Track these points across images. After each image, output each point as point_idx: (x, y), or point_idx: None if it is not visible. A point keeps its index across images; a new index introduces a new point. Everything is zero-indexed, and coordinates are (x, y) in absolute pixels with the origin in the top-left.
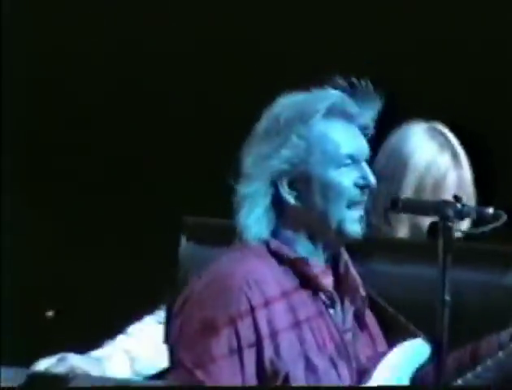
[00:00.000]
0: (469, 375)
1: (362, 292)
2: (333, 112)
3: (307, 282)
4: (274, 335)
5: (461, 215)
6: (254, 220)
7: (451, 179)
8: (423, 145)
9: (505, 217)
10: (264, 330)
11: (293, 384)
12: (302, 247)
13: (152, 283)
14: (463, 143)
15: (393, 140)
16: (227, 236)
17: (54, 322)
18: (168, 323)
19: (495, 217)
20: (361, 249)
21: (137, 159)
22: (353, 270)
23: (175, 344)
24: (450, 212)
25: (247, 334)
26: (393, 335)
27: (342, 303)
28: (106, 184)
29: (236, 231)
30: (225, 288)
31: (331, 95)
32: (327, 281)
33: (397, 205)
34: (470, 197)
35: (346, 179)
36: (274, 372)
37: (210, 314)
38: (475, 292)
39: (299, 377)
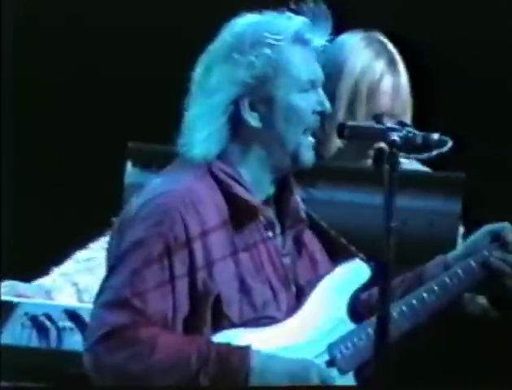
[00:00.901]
0: (412, 298)
1: (303, 215)
2: (297, 38)
3: (245, 210)
4: (207, 256)
5: (406, 141)
6: (204, 137)
7: (386, 84)
8: (358, 51)
9: (450, 143)
10: (198, 251)
11: (225, 305)
12: (250, 170)
13: (99, 209)
14: (402, 52)
15: (330, 47)
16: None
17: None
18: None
19: (440, 143)
20: (305, 176)
21: (84, 85)
22: (295, 196)
23: (111, 267)
24: (396, 138)
25: (180, 254)
26: (335, 257)
27: (282, 228)
28: (50, 109)
29: (180, 150)
30: (159, 206)
31: (296, 21)
32: (267, 209)
33: (342, 131)
34: (406, 104)
35: (307, 103)
36: (206, 292)
37: (142, 234)
38: (420, 219)
39: (232, 297)
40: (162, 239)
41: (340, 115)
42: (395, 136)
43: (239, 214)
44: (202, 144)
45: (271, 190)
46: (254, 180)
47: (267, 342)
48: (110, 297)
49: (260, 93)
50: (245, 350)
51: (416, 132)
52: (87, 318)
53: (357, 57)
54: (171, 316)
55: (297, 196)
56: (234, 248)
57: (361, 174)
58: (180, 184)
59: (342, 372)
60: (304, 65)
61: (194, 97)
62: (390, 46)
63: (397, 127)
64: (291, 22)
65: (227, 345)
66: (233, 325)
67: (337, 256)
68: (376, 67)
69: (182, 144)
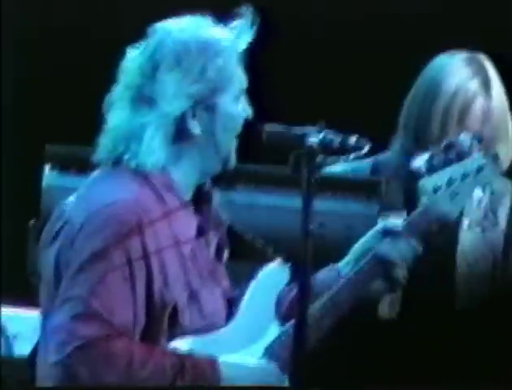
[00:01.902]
0: (327, 300)
1: (223, 219)
2: (235, 46)
3: (183, 218)
4: (162, 266)
5: (323, 145)
6: (155, 149)
7: (477, 106)
8: (456, 70)
9: (367, 146)
10: (154, 259)
11: (180, 315)
12: (180, 173)
13: (15, 212)
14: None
15: (430, 66)
16: (91, 164)
17: None
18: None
19: (358, 146)
20: (225, 179)
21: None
22: (215, 201)
23: (65, 276)
24: (313, 142)
25: (138, 265)
26: (251, 260)
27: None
28: None
29: (104, 157)
30: (114, 217)
31: (235, 30)
32: (194, 213)
33: (260, 136)
34: (498, 129)
35: (239, 110)
36: (163, 303)
37: (100, 245)
38: (339, 222)
39: (184, 306)
40: (121, 249)
41: (434, 135)
42: (312, 141)
43: (178, 222)
44: (152, 156)
45: (191, 194)
46: (183, 184)
47: (215, 349)
48: (79, 309)
49: (205, 101)
50: (214, 359)
51: (334, 136)
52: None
53: (453, 76)
54: (132, 327)
55: (216, 199)
56: (181, 255)
57: (280, 177)
58: (129, 194)
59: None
60: (238, 74)
61: (126, 102)
62: (489, 68)
63: (314, 130)
64: (230, 31)
65: (197, 356)
66: (186, 333)
67: (251, 257)
68: (470, 88)
69: (112, 149)
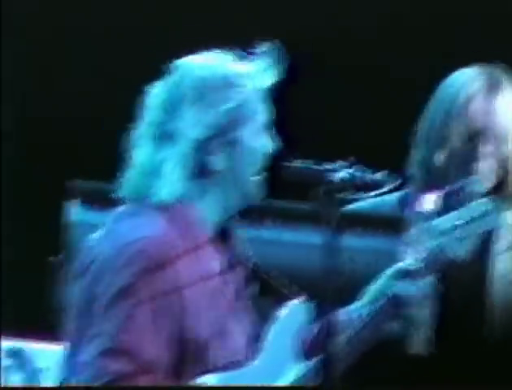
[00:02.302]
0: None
1: (250, 260)
2: (254, 82)
3: (211, 254)
4: (190, 301)
5: (344, 182)
6: (174, 181)
7: (479, 105)
8: (461, 73)
9: (394, 182)
10: (182, 296)
11: (206, 351)
12: (206, 210)
13: (38, 248)
14: None
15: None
16: (117, 201)
17: None
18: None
19: (382, 182)
20: (252, 215)
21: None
22: (240, 237)
23: (93, 312)
24: (337, 177)
25: (166, 299)
26: (275, 297)
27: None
28: None
29: (129, 193)
30: (142, 252)
31: (257, 66)
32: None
33: (280, 172)
34: (499, 131)
35: (262, 145)
36: (190, 340)
37: (129, 280)
38: (366, 259)
39: (208, 343)
40: (149, 285)
41: (439, 136)
42: (333, 177)
43: (204, 258)
44: (170, 188)
45: (216, 230)
46: (208, 219)
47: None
48: (108, 345)
49: (226, 136)
50: None
51: (357, 172)
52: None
53: (458, 77)
54: (158, 363)
55: (241, 235)
56: (207, 292)
57: (307, 213)
58: (155, 230)
59: None
60: (261, 108)
61: (148, 139)
62: (500, 74)
63: (336, 167)
64: (252, 67)
65: None
66: (210, 370)
67: (275, 294)
68: (472, 86)
69: (137, 185)
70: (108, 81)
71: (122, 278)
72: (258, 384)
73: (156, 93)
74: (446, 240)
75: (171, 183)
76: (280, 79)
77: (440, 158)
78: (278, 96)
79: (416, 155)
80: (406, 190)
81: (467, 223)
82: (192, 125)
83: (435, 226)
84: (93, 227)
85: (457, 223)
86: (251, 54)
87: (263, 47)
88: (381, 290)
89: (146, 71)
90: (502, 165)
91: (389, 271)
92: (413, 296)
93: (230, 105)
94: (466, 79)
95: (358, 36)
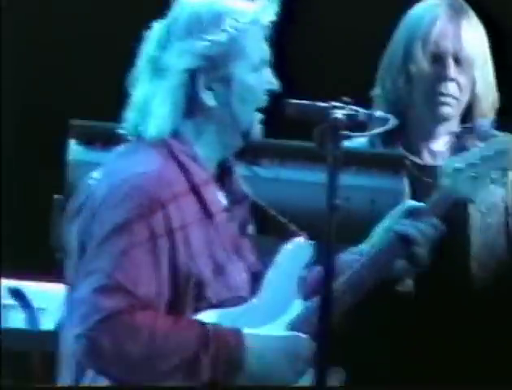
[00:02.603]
0: (348, 277)
1: (247, 193)
2: (254, 20)
3: (207, 192)
4: (186, 238)
5: (349, 119)
6: (160, 117)
7: (442, 28)
8: (428, 3)
9: (392, 121)
10: (178, 231)
11: (205, 287)
12: (204, 148)
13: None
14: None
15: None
16: (118, 140)
17: None
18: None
19: (382, 120)
20: (250, 154)
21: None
22: (238, 176)
23: (88, 249)
24: (339, 115)
25: (161, 235)
26: (275, 235)
27: (230, 206)
28: None
29: (131, 129)
30: (136, 189)
31: (253, 4)
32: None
33: (284, 109)
34: (475, 48)
35: (259, 83)
36: (187, 275)
37: (124, 216)
38: (364, 197)
39: (209, 279)
40: (145, 221)
41: (397, 60)
42: (337, 114)
43: (203, 195)
44: (158, 123)
45: (215, 168)
46: (207, 158)
47: (239, 323)
48: (102, 282)
49: (216, 71)
50: (238, 330)
51: (359, 109)
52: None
53: (421, 4)
54: (157, 299)
55: (239, 174)
56: (205, 229)
57: (305, 151)
58: (152, 166)
59: None
60: (257, 45)
61: (146, 75)
62: (463, 2)
63: (339, 104)
64: (251, 5)
65: (221, 326)
66: (211, 306)
67: (274, 233)
68: (436, 10)
69: (135, 123)
70: (111, 20)
71: (116, 215)
72: (259, 321)
73: (155, 29)
74: (460, 179)
75: (159, 118)
76: (280, 19)
77: (403, 82)
78: (277, 35)
79: (382, 82)
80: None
81: (481, 161)
82: (179, 55)
83: (448, 164)
84: (95, 167)
85: (471, 161)
86: None
87: None
88: (388, 228)
89: (151, 7)
90: (470, 88)
91: (397, 210)
92: (420, 236)
93: (220, 37)
94: (430, 5)
95: None
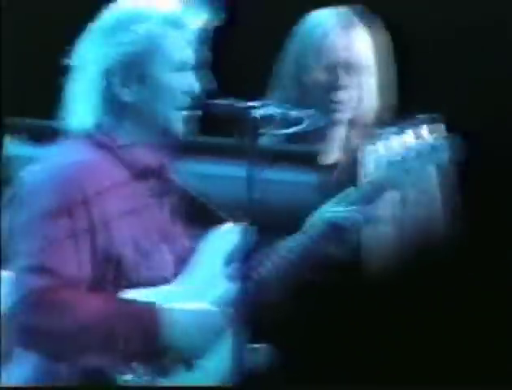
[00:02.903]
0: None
1: (180, 188)
2: (167, 21)
3: (135, 171)
4: (106, 223)
5: (265, 118)
6: (81, 110)
7: (338, 45)
8: (314, 17)
9: (306, 121)
10: (97, 219)
11: (126, 269)
12: (125, 140)
13: None
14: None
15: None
16: (51, 135)
17: None
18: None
19: (297, 120)
20: (178, 150)
21: None
22: (170, 168)
23: (14, 235)
24: (256, 115)
25: (81, 222)
26: (203, 222)
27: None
28: None
29: (60, 128)
30: (60, 177)
31: (168, 5)
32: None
33: (206, 109)
34: (365, 55)
35: (177, 83)
36: (107, 258)
37: (47, 203)
38: (283, 191)
39: (130, 260)
40: (66, 207)
41: (290, 71)
42: (255, 114)
43: (130, 185)
44: (79, 116)
45: (145, 161)
46: (133, 150)
47: (162, 300)
48: (28, 262)
49: (132, 70)
50: (152, 304)
51: (277, 109)
52: None
53: (313, 17)
54: (79, 278)
55: (171, 166)
56: (128, 213)
57: (227, 147)
58: (75, 156)
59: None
60: (176, 47)
61: (74, 72)
62: (353, 15)
63: (256, 104)
64: (161, 6)
65: (136, 301)
66: (132, 286)
67: (203, 219)
68: (328, 23)
69: (64, 118)
70: (48, 17)
71: (42, 200)
72: (181, 298)
73: (86, 31)
74: (393, 171)
75: (80, 113)
76: (213, 24)
77: (295, 91)
78: (205, 38)
79: (274, 90)
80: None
81: (416, 156)
82: (95, 55)
83: (383, 157)
84: (29, 161)
85: (405, 155)
86: None
87: None
88: (321, 216)
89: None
90: (359, 95)
91: (330, 201)
92: (352, 223)
93: (131, 39)
94: (322, 17)
95: None
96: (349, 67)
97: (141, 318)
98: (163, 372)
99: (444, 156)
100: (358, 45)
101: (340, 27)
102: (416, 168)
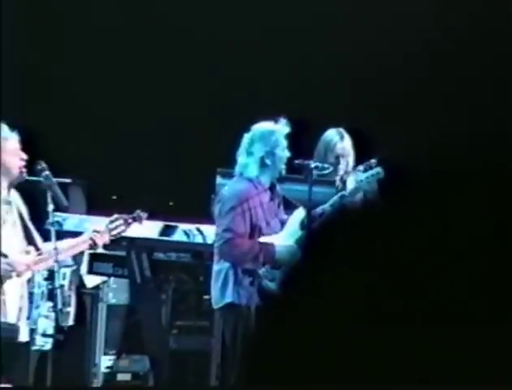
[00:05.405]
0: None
1: (281, 195)
2: (280, 132)
3: (264, 190)
4: (256, 212)
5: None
6: (251, 169)
7: (338, 146)
8: (328, 134)
9: (328, 170)
10: (252, 210)
11: (261, 230)
12: (265, 179)
13: None
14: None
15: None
16: None
17: None
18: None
19: (326, 168)
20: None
21: None
22: (278, 189)
23: (218, 217)
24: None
25: (247, 212)
26: (290, 209)
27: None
28: None
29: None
30: (236, 193)
31: (282, 126)
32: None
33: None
34: (349, 152)
35: (284, 154)
36: (254, 226)
37: (231, 205)
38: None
39: (262, 227)
40: (240, 207)
41: (321, 154)
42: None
43: (262, 196)
44: (248, 170)
45: (269, 186)
46: (266, 182)
47: (275, 242)
48: (224, 227)
49: (271, 153)
50: (271, 244)
51: (319, 164)
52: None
53: (325, 136)
54: (244, 234)
55: (278, 188)
56: (262, 208)
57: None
58: (243, 186)
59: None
60: (284, 140)
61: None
62: (344, 131)
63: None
64: (281, 134)
65: (267, 242)
66: (263, 236)
67: (290, 208)
68: (334, 139)
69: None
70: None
71: (228, 204)
72: (281, 240)
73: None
74: (360, 184)
75: (248, 169)
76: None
77: (324, 160)
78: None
79: (316, 159)
80: None
81: (367, 178)
82: (259, 146)
83: (356, 178)
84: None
85: (364, 178)
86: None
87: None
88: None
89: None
90: (346, 170)
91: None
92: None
93: (270, 140)
94: (332, 134)
95: None
96: (343, 155)
97: (267, 249)
98: (273, 278)
99: (374, 183)
100: (346, 145)
101: (340, 137)
102: (364, 186)
